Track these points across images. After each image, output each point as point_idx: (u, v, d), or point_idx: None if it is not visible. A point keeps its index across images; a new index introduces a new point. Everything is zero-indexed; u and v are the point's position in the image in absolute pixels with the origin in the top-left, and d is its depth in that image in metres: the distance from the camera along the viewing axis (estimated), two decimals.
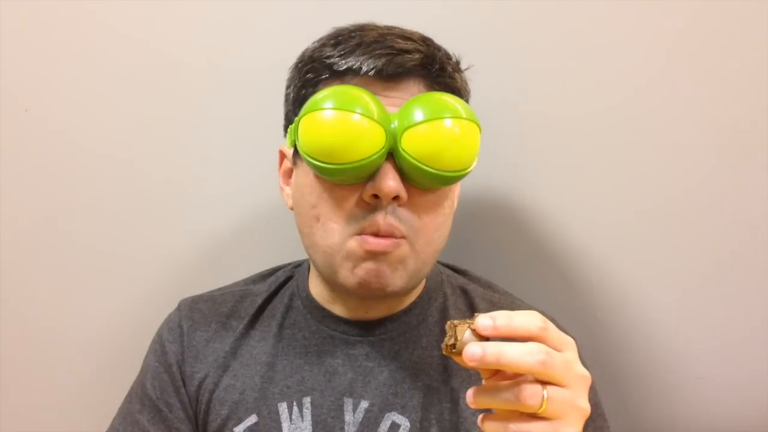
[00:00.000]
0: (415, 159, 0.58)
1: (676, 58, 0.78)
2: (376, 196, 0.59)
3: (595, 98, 0.80)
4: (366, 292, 0.62)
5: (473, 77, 0.68)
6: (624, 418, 0.83)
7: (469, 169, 0.61)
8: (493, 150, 0.81)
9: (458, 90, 0.65)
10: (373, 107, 0.58)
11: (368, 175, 0.59)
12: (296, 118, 0.61)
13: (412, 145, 0.58)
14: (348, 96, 0.58)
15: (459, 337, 0.49)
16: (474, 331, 0.48)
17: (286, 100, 0.67)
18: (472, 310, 0.71)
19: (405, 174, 0.60)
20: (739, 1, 0.75)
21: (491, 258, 0.85)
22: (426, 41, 0.64)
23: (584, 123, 0.81)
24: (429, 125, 0.58)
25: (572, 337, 0.72)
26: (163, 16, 0.84)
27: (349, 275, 0.61)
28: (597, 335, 0.83)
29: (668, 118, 0.78)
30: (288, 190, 0.69)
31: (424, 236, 0.62)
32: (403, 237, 0.60)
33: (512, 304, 0.72)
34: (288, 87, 0.67)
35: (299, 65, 0.65)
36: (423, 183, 0.60)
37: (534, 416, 0.48)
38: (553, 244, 0.83)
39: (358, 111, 0.57)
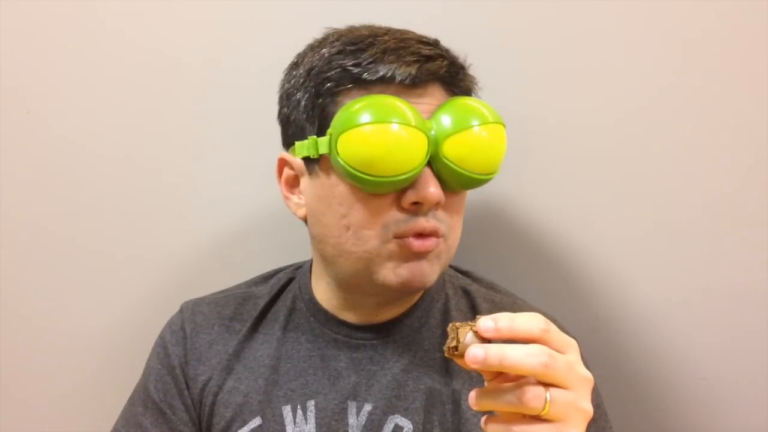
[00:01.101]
0: (454, 164, 0.60)
1: (679, 59, 0.78)
2: (416, 203, 0.60)
3: (596, 100, 0.80)
4: (407, 289, 0.63)
5: (484, 78, 0.68)
6: (626, 419, 0.82)
7: (498, 170, 0.64)
8: None
9: (472, 90, 0.66)
10: (411, 117, 0.59)
11: (410, 182, 0.60)
12: (330, 131, 0.60)
13: (452, 151, 0.60)
14: (386, 106, 0.59)
15: (461, 340, 0.49)
16: (476, 333, 0.48)
17: (291, 107, 0.65)
18: (473, 311, 0.71)
19: (441, 178, 0.61)
20: (739, 2, 0.75)
21: (493, 258, 0.85)
22: (441, 46, 0.64)
23: (586, 124, 0.81)
24: (467, 132, 0.60)
25: (574, 338, 0.72)
26: (165, 19, 0.84)
27: (390, 275, 0.62)
28: (599, 336, 0.83)
29: (670, 120, 0.78)
30: (296, 199, 0.67)
31: (454, 233, 0.64)
32: (442, 236, 0.62)
33: (514, 304, 0.72)
34: (293, 93, 0.64)
35: (312, 72, 0.62)
36: (457, 186, 0.62)
37: (537, 418, 0.48)
38: (555, 244, 0.83)
39: (400, 121, 0.58)
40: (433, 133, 0.60)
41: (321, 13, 0.72)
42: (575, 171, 0.82)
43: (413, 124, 0.58)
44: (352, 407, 0.65)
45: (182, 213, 0.86)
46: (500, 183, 0.82)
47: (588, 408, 0.50)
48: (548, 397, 0.47)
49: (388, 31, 0.63)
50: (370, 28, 0.64)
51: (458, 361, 0.49)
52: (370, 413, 0.65)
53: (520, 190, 0.83)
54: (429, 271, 0.62)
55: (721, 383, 0.81)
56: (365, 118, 0.58)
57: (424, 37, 0.64)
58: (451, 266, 0.76)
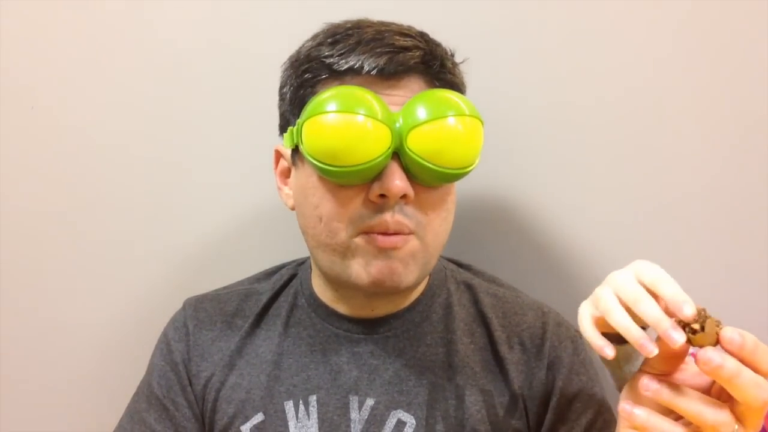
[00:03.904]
0: (420, 157, 0.58)
1: (680, 56, 0.77)
2: (382, 196, 0.59)
3: (597, 95, 0.80)
4: (379, 289, 0.62)
5: (477, 72, 0.67)
6: None
7: (473, 165, 0.61)
8: (495, 145, 0.80)
9: (457, 85, 0.64)
10: (377, 107, 0.58)
11: (374, 175, 0.59)
12: (299, 121, 0.61)
13: (417, 144, 0.58)
14: (352, 97, 0.58)
15: (706, 330, 0.47)
16: (716, 334, 0.47)
17: (282, 99, 0.66)
18: (476, 305, 0.70)
19: (410, 172, 0.59)
20: (740, 2, 0.75)
21: (495, 253, 0.84)
22: (424, 37, 0.63)
23: (587, 119, 0.80)
24: (434, 123, 0.58)
25: (577, 329, 0.72)
26: (167, 16, 0.84)
27: (362, 272, 0.61)
28: None
29: (671, 117, 0.78)
30: (287, 190, 0.68)
31: (432, 230, 0.62)
32: (411, 233, 0.61)
33: (517, 298, 0.72)
34: (284, 86, 0.66)
35: (295, 64, 0.64)
36: (428, 180, 0.60)
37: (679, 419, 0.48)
38: (556, 238, 0.83)
39: (363, 112, 0.57)
40: (398, 125, 0.58)
41: (322, 10, 0.71)
42: (579, 167, 0.82)
43: (375, 115, 0.57)
44: (353, 402, 0.65)
45: (185, 209, 0.86)
46: (503, 177, 0.83)
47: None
48: (736, 428, 0.47)
49: (372, 24, 0.62)
50: (360, 21, 0.63)
51: (680, 344, 0.47)
52: (373, 408, 0.65)
53: (522, 184, 0.83)
54: (402, 271, 0.61)
55: None
56: (327, 107, 0.58)
57: (408, 29, 0.63)
58: (451, 260, 0.76)
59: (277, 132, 0.69)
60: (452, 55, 0.65)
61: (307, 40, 0.65)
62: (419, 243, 0.61)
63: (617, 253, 0.81)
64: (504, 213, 0.84)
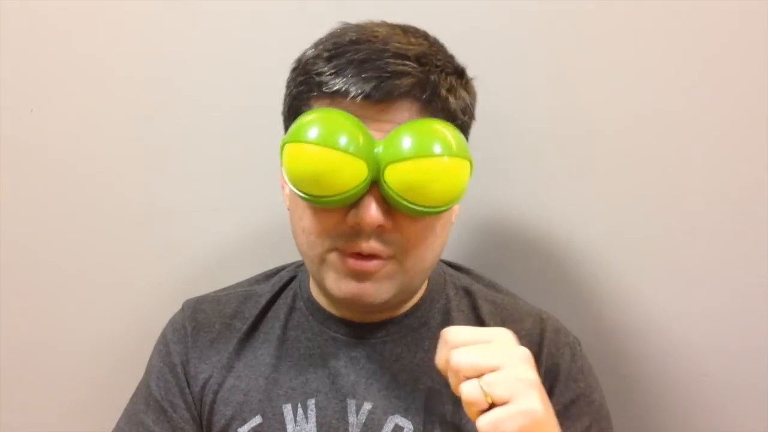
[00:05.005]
0: (396, 193, 0.57)
1: (680, 63, 0.77)
2: (358, 224, 0.58)
3: (597, 102, 0.80)
4: (350, 305, 0.63)
5: (478, 76, 0.67)
6: (629, 416, 0.83)
7: (452, 204, 0.59)
8: (496, 151, 0.81)
9: (453, 112, 0.60)
10: (358, 137, 0.56)
11: (352, 203, 0.58)
12: (282, 140, 0.60)
13: (394, 179, 0.56)
14: (332, 125, 0.57)
15: None
16: None
17: (284, 101, 0.66)
18: (475, 311, 0.70)
19: (389, 203, 0.58)
20: (739, 2, 0.75)
21: (495, 258, 0.85)
22: (422, 60, 0.59)
23: (590, 125, 0.80)
24: (414, 162, 0.56)
25: (575, 337, 0.72)
26: (169, 18, 0.84)
27: (334, 286, 0.61)
28: (602, 334, 0.83)
29: (669, 121, 0.78)
30: (287, 190, 0.68)
31: (415, 256, 0.61)
32: (391, 257, 0.60)
33: (515, 304, 0.72)
34: (286, 88, 0.65)
35: (295, 71, 0.63)
36: (407, 213, 0.59)
37: (493, 406, 0.50)
38: (557, 243, 0.83)
39: (341, 144, 0.55)
40: (378, 152, 0.56)
41: (328, 13, 0.71)
42: (579, 172, 0.81)
43: (352, 147, 0.55)
44: (351, 405, 0.65)
45: (185, 212, 0.86)
46: (503, 182, 0.83)
47: (530, 376, 0.52)
48: (483, 385, 0.50)
49: (375, 38, 0.60)
50: (363, 32, 0.61)
51: None
52: (370, 412, 0.65)
53: (523, 190, 0.83)
54: (374, 291, 0.60)
55: (723, 380, 0.81)
56: (307, 133, 0.57)
57: (408, 47, 0.59)
58: (450, 264, 0.76)
59: (279, 134, 0.68)
60: (461, 73, 0.63)
61: (311, 46, 0.63)
62: (398, 266, 0.61)
63: (617, 259, 0.81)
64: (504, 217, 0.84)
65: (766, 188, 0.77)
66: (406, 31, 0.62)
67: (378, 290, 0.61)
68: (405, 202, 0.57)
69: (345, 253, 0.60)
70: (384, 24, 0.63)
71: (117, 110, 0.85)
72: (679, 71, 0.77)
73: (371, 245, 0.59)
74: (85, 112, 0.85)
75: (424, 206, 0.57)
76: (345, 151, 0.56)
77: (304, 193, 0.58)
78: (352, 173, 0.56)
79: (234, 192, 0.86)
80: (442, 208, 0.59)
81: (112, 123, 0.85)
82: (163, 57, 0.84)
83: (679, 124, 0.78)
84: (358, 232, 0.59)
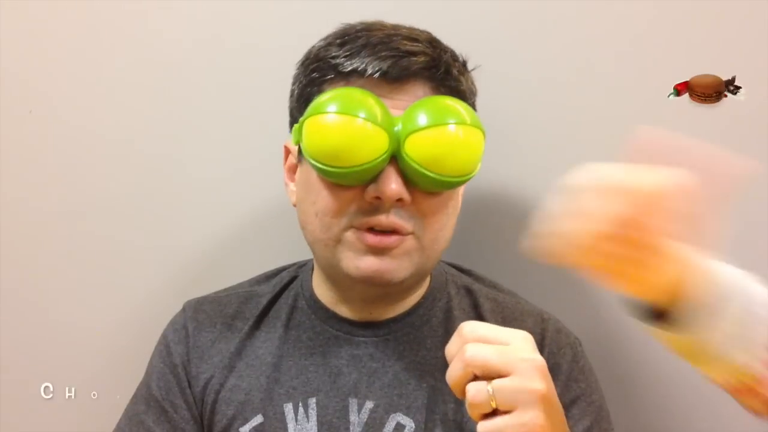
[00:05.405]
0: (417, 164, 0.58)
1: (684, 56, 0.78)
2: (378, 198, 0.59)
3: (602, 98, 0.80)
4: (369, 282, 0.62)
5: (483, 76, 0.68)
6: (629, 416, 0.82)
7: (471, 174, 0.62)
8: (499, 148, 0.80)
9: (464, 92, 0.64)
10: (377, 111, 0.58)
11: (371, 177, 0.59)
12: (301, 119, 0.62)
13: (415, 150, 0.58)
14: (352, 99, 0.59)
15: None
16: None
17: (291, 96, 0.67)
18: (476, 310, 0.71)
19: (408, 177, 0.60)
20: (739, 2, 0.75)
21: (496, 257, 0.84)
22: (433, 42, 0.63)
23: (595, 124, 0.80)
24: (432, 130, 0.58)
25: (576, 337, 0.72)
26: (167, 14, 0.84)
27: (351, 265, 0.62)
28: (602, 334, 0.83)
29: (676, 121, 0.78)
30: (292, 186, 0.69)
31: (430, 234, 0.63)
32: (410, 233, 0.61)
33: (517, 304, 0.72)
34: (293, 84, 0.67)
35: (305, 63, 0.65)
36: (426, 187, 0.61)
37: (496, 413, 0.50)
38: None
39: (362, 115, 0.57)
40: (397, 129, 0.59)
41: (328, 10, 0.72)
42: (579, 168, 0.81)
43: (374, 118, 0.58)
44: (353, 404, 0.65)
45: (186, 211, 0.86)
46: (505, 180, 0.83)
47: (538, 387, 0.51)
48: (490, 390, 0.49)
49: (384, 27, 0.63)
50: (372, 24, 0.64)
51: None
52: (372, 411, 0.65)
53: (524, 187, 0.83)
54: (394, 267, 0.61)
55: None
56: (328, 107, 0.59)
57: (419, 33, 0.63)
58: (452, 265, 0.76)
59: (279, 133, 0.69)
60: (464, 63, 0.66)
61: (319, 40, 0.65)
62: (416, 243, 0.62)
63: None
64: (505, 215, 0.84)
65: (767, 188, 0.77)
66: (409, 27, 0.65)
67: (398, 266, 0.61)
68: (426, 172, 0.58)
69: (362, 229, 0.60)
70: (385, 22, 0.65)
71: (116, 110, 0.85)
72: (688, 67, 0.78)
73: (391, 219, 0.60)
74: (85, 112, 0.85)
75: (445, 175, 0.59)
76: (367, 119, 0.57)
77: (325, 165, 0.59)
78: (374, 145, 0.58)
79: (234, 192, 0.86)
80: (461, 179, 0.61)
81: (112, 123, 0.85)
82: (163, 57, 0.84)
83: (680, 124, 0.78)
84: (376, 207, 0.60)
